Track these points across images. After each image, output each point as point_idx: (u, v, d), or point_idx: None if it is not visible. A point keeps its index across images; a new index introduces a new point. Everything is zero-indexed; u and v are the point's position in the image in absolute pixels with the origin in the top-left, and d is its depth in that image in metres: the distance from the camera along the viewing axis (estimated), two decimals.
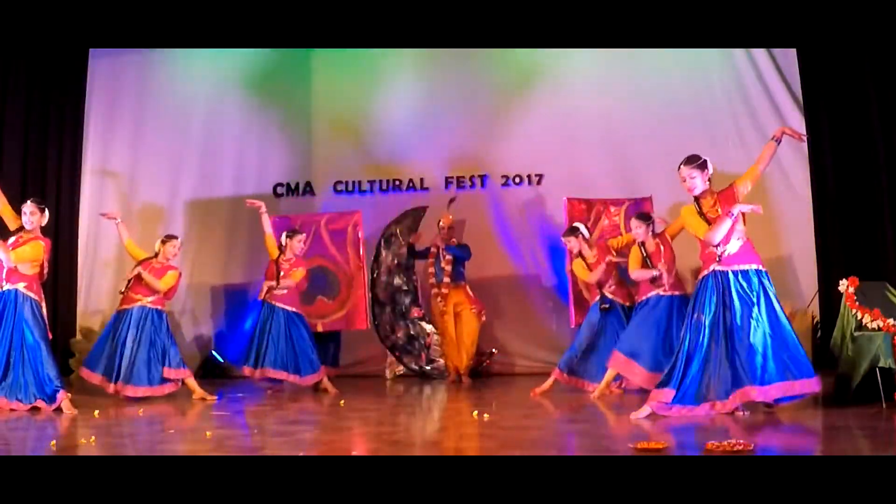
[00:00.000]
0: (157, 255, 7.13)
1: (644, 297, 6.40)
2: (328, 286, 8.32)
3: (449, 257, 8.14)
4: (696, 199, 5.18)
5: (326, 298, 8.28)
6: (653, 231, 6.47)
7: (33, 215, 6.19)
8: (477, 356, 8.47)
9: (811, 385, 4.99)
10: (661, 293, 6.32)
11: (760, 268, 5.09)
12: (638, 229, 6.47)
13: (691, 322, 5.12)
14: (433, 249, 8.31)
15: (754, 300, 4.99)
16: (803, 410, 5.42)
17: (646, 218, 6.52)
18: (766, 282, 5.05)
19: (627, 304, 6.81)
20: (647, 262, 6.37)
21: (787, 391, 4.97)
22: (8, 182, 8.85)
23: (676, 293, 6.33)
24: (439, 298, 8.17)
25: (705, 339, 5.01)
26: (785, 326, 5.01)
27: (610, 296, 6.85)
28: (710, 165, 5.17)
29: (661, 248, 6.39)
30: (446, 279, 8.15)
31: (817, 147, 8.35)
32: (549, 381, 6.78)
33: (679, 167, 5.18)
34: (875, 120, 7.99)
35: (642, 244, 6.45)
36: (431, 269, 8.28)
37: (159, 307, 7.04)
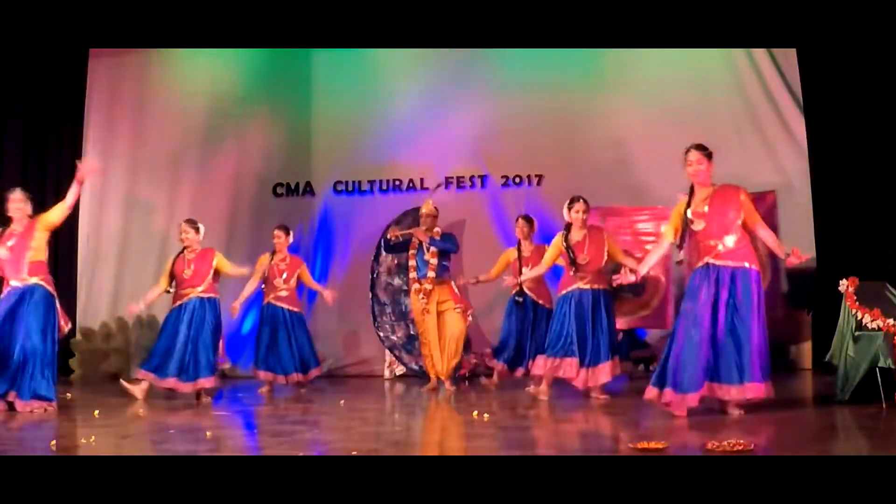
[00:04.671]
0: (185, 248, 7.00)
1: (565, 291, 6.39)
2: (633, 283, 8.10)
3: (433, 250, 7.36)
4: (692, 189, 5.18)
5: (631, 294, 7.89)
6: (584, 222, 6.42)
7: (26, 204, 6.15)
8: (476, 357, 8.45)
9: (765, 390, 5.01)
10: (582, 286, 6.32)
11: (753, 267, 5.08)
12: (585, 213, 6.39)
13: (683, 311, 5.13)
14: (414, 241, 7.52)
15: (742, 300, 4.99)
16: (804, 410, 5.42)
17: (587, 203, 6.46)
18: (754, 282, 5.04)
19: (540, 301, 7.37)
20: (569, 252, 6.33)
21: (757, 393, 4.99)
22: (8, 182, 8.88)
23: (599, 287, 6.34)
24: (421, 295, 7.36)
25: (692, 328, 5.01)
26: (763, 330, 5.03)
27: (527, 290, 7.31)
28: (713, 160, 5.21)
29: (588, 241, 6.34)
30: (430, 274, 7.34)
31: (817, 147, 8.35)
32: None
33: (688, 150, 5.18)
34: (875, 120, 7.99)
35: (567, 231, 6.39)
36: (413, 263, 7.48)
37: (212, 295, 6.92)
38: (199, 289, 6.84)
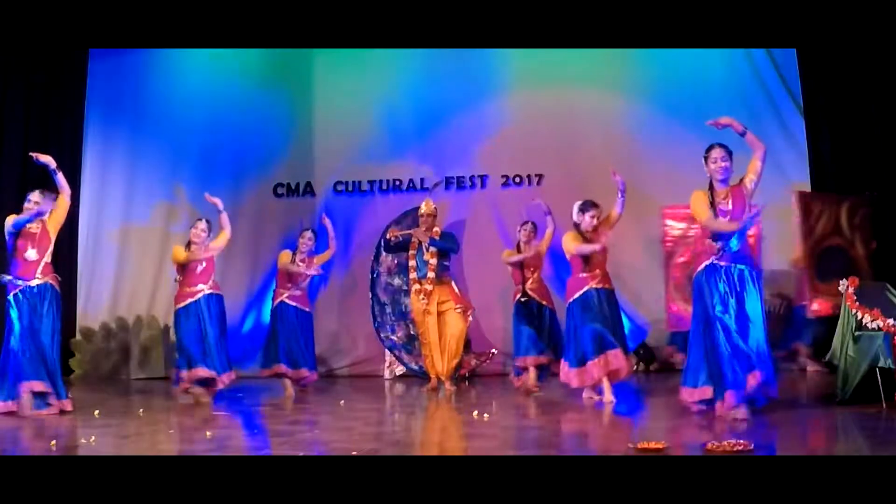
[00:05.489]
0: (191, 244, 6.98)
1: (579, 293, 6.24)
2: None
3: (433, 250, 7.40)
4: (711, 186, 5.14)
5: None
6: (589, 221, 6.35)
7: (44, 204, 6.12)
8: (476, 357, 8.45)
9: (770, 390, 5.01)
10: (595, 286, 6.22)
11: (754, 268, 5.09)
12: (600, 215, 6.32)
13: (696, 313, 5.12)
14: (413, 241, 7.55)
15: (747, 297, 4.98)
16: (803, 410, 5.42)
17: (594, 206, 6.38)
18: (759, 281, 5.06)
19: (544, 302, 7.35)
20: (586, 240, 6.25)
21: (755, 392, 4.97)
22: (8, 182, 8.89)
23: (609, 287, 6.30)
24: (422, 296, 7.39)
25: (709, 328, 5.00)
26: (764, 329, 5.02)
27: (531, 292, 7.28)
28: None
29: (596, 238, 6.31)
30: (430, 274, 7.38)
31: (817, 147, 8.36)
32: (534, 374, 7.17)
33: (712, 147, 5.14)
34: (875, 120, 8.00)
35: (577, 225, 6.33)
36: (413, 263, 7.52)
37: (219, 292, 7.01)
38: (209, 284, 6.93)
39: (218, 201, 7.08)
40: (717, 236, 5.07)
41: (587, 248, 6.17)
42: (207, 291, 6.89)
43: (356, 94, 9.36)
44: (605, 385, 6.09)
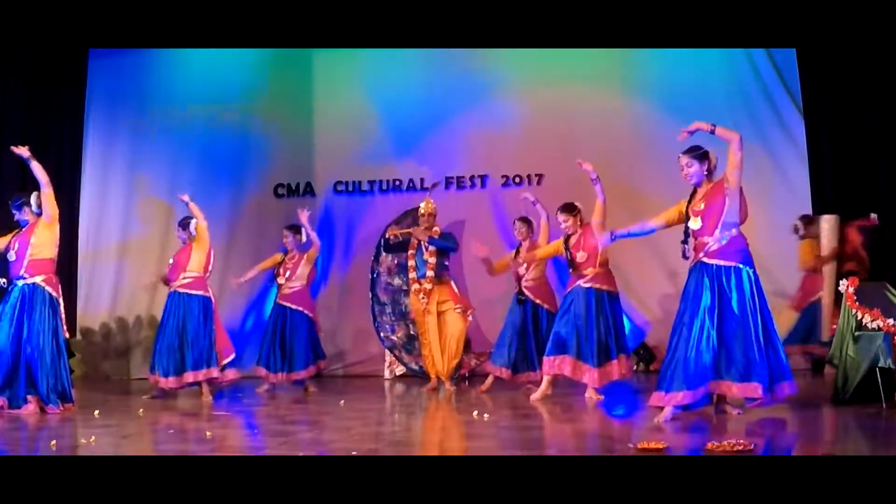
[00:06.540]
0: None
1: (567, 291, 6.49)
2: None
3: (432, 249, 7.40)
4: (693, 190, 5.18)
5: None
6: (580, 222, 6.56)
7: (21, 213, 6.16)
8: (476, 357, 8.44)
9: (789, 388, 4.97)
10: (582, 285, 6.35)
11: (747, 268, 4.98)
12: (566, 221, 6.53)
13: (678, 311, 5.12)
14: (413, 241, 7.54)
15: (732, 296, 4.95)
16: (804, 410, 5.42)
17: (572, 209, 6.57)
18: (748, 280, 4.96)
19: (538, 301, 7.13)
20: (567, 254, 6.46)
21: (756, 393, 4.92)
22: (8, 182, 8.88)
23: (599, 286, 6.35)
24: (422, 295, 7.37)
25: (685, 328, 4.99)
26: (764, 327, 4.96)
27: (527, 291, 7.13)
28: (712, 158, 5.12)
29: (583, 239, 6.43)
30: (430, 273, 7.36)
31: (817, 148, 8.36)
32: (490, 380, 7.24)
33: (679, 155, 5.19)
34: (875, 121, 8.00)
35: (568, 237, 6.53)
36: (412, 263, 7.50)
37: (190, 291, 6.98)
38: (177, 283, 6.99)
39: (184, 196, 7.13)
40: (684, 237, 5.09)
41: (549, 248, 6.68)
42: (175, 289, 6.98)
43: (356, 94, 9.35)
44: (545, 382, 6.40)
